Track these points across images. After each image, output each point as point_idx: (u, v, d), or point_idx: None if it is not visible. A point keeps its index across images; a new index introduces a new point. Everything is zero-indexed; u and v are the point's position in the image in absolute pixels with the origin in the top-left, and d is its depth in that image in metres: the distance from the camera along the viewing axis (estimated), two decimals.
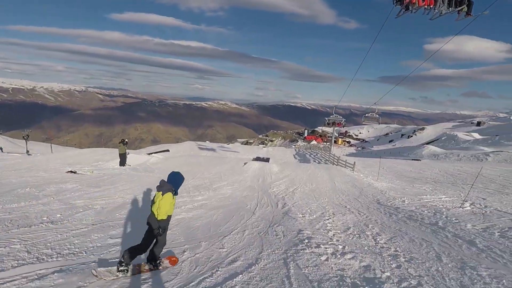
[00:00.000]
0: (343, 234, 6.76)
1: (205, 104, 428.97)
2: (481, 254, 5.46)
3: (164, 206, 4.06)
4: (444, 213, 9.00)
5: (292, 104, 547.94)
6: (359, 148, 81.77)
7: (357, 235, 6.66)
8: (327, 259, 5.12)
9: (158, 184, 4.23)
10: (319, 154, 38.00)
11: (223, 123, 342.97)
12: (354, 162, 20.85)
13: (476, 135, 60.77)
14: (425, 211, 9.30)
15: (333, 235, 6.64)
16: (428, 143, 61.21)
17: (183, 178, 4.40)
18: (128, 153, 17.20)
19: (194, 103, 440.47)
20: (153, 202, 4.19)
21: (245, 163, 18.94)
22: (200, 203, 9.52)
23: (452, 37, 10.75)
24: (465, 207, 9.91)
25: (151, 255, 4.40)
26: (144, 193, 10.12)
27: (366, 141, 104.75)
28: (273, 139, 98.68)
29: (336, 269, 4.76)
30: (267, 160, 20.30)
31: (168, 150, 27.15)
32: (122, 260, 4.09)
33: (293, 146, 74.82)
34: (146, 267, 4.44)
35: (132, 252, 4.15)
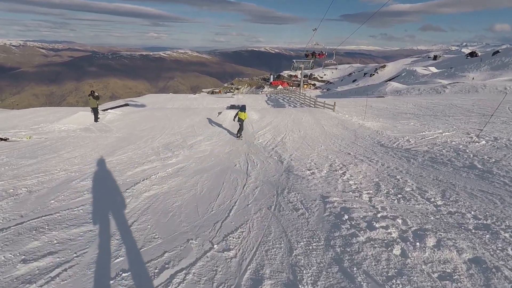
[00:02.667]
0: (382, 196, 4.99)
1: (163, 54, 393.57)
2: None
3: (245, 115, 11.88)
4: (467, 151, 7.67)
5: (256, 49, 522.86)
6: (324, 90, 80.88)
7: (400, 196, 4.94)
8: (403, 254, 3.20)
9: (240, 108, 11.93)
10: (292, 98, 36.00)
11: (185, 74, 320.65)
12: (335, 103, 19.24)
13: (433, 69, 61.58)
14: (444, 151, 7.92)
15: (370, 199, 4.86)
16: (389, 80, 61.39)
17: (245, 105, 12.24)
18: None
19: (151, 53, 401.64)
20: (237, 115, 11.84)
21: (219, 113, 16.48)
22: (175, 167, 7.26)
23: None
24: (481, 142, 8.75)
25: (239, 132, 11.72)
26: (99, 160, 7.53)
27: (330, 83, 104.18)
28: (239, 86, 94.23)
29: (436, 275, 2.83)
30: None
31: (127, 104, 23.50)
32: (239, 134, 11.69)
33: (261, 92, 72.02)
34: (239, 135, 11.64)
35: (239, 132, 11.73)
